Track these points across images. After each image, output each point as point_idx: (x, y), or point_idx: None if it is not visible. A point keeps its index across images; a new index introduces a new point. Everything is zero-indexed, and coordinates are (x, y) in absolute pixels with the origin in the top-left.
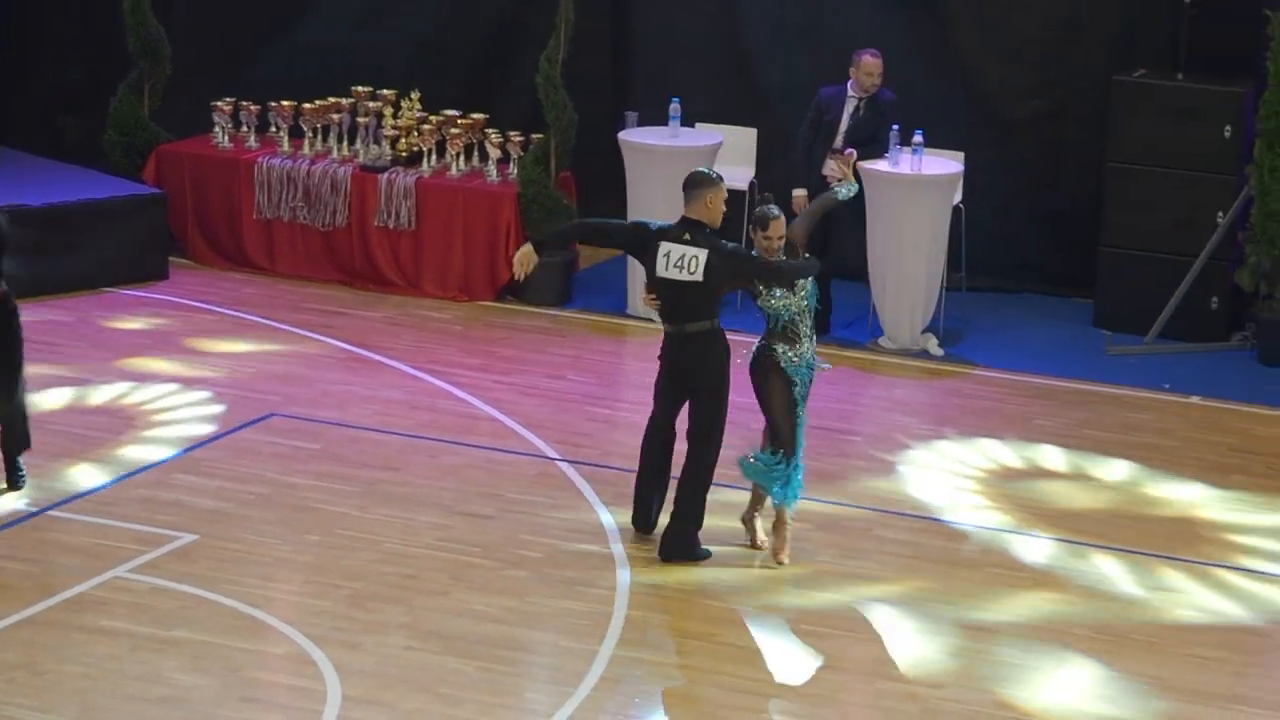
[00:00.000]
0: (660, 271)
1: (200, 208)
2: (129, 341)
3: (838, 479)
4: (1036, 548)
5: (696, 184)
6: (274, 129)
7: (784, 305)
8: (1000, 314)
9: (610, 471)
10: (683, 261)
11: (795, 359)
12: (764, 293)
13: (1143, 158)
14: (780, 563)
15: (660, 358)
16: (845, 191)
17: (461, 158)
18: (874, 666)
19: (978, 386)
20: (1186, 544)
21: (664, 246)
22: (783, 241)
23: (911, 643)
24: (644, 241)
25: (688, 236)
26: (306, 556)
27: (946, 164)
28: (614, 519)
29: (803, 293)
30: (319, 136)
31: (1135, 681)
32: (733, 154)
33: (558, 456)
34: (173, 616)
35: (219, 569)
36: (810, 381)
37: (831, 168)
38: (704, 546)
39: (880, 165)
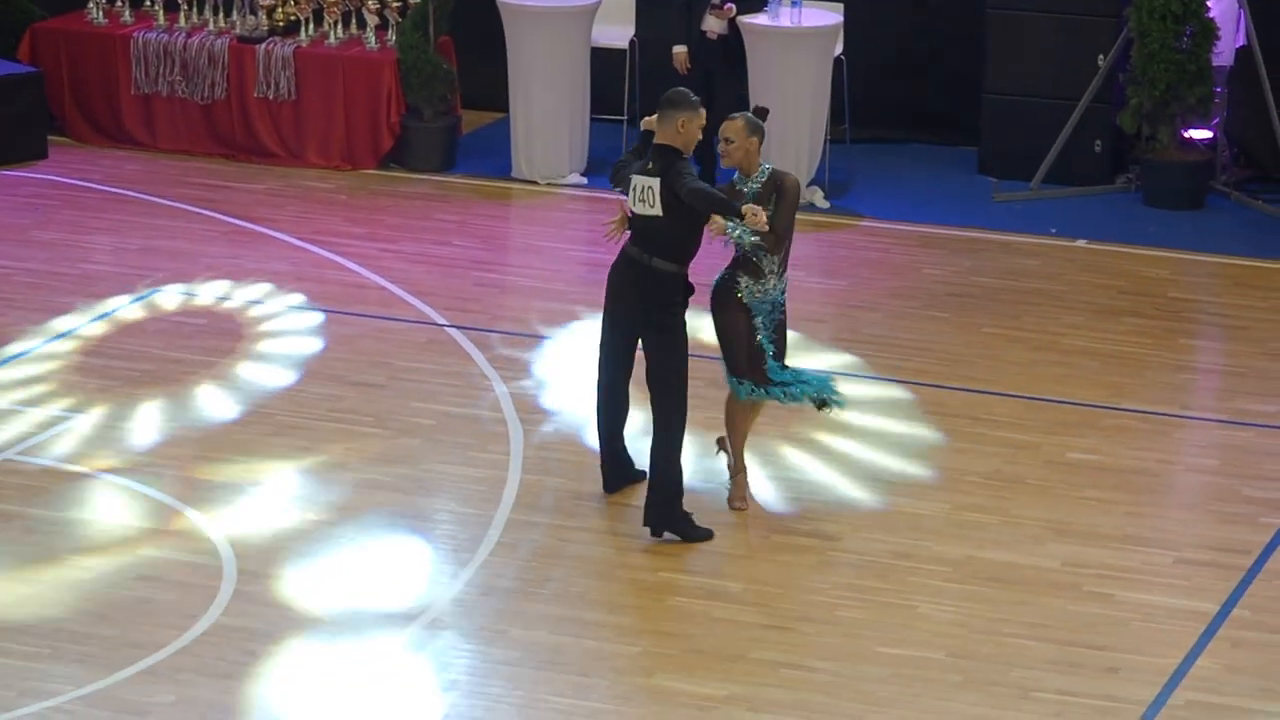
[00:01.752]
0: (632, 206)
1: (77, 85)
2: (7, 222)
3: None
4: (933, 397)
5: (669, 104)
6: (149, 3)
7: (737, 235)
8: (885, 165)
9: (499, 336)
10: (645, 194)
11: (759, 293)
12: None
13: (1022, 2)
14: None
15: (607, 286)
16: (742, 234)
17: (339, 25)
18: (771, 521)
19: (865, 238)
20: (1077, 387)
21: (633, 180)
22: (732, 146)
23: (809, 490)
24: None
25: (650, 165)
26: (196, 433)
27: (826, 16)
28: (504, 384)
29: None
30: (194, 8)
31: (1030, 527)
32: (612, 12)
33: (446, 323)
34: (65, 498)
35: (109, 449)
36: (773, 324)
37: (710, 23)
38: (703, 527)
39: (760, 19)
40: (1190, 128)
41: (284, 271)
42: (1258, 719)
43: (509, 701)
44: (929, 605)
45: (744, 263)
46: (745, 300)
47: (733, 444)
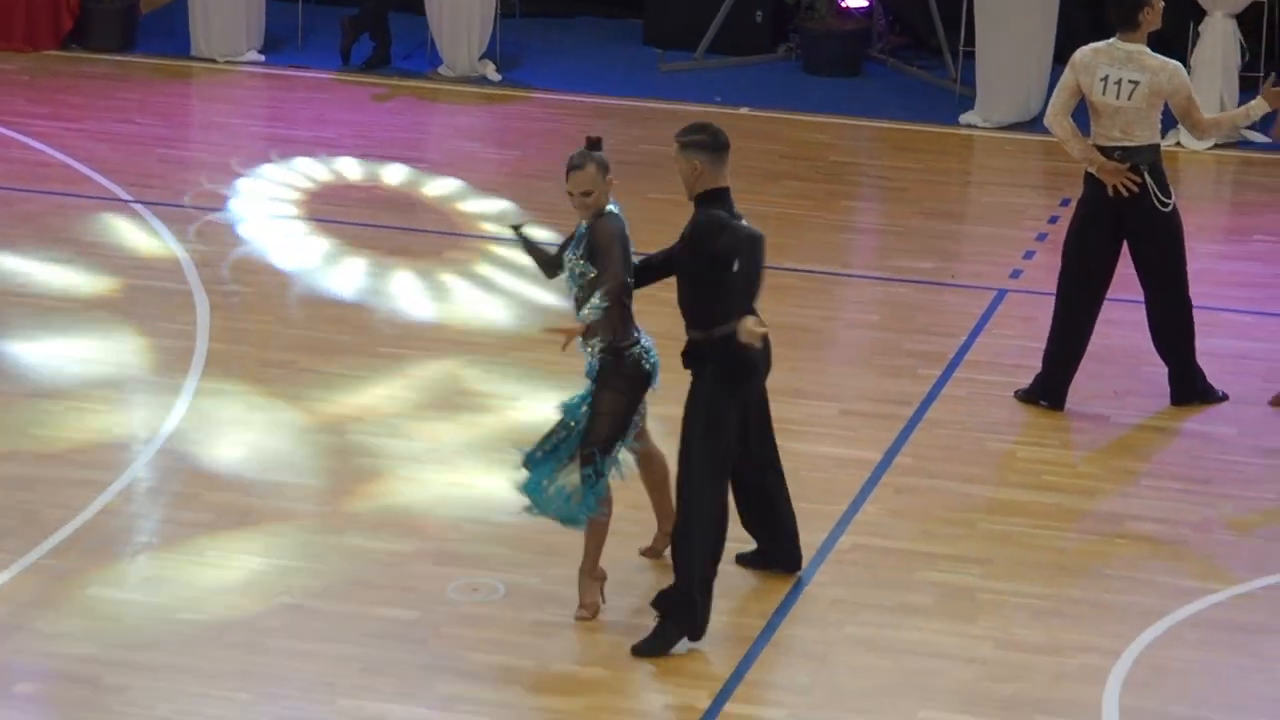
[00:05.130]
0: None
1: None
2: None
3: (407, 210)
4: None
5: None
6: None
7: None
8: (555, 39)
9: (184, 213)
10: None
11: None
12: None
13: None
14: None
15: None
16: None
17: None
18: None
19: (537, 109)
20: None
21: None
22: (591, 198)
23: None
24: None
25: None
26: None
27: None
28: (189, 254)
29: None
30: None
31: None
32: None
33: (130, 199)
34: None
35: None
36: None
37: None
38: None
39: None
40: None
41: None
42: (918, 559)
43: (206, 561)
44: None
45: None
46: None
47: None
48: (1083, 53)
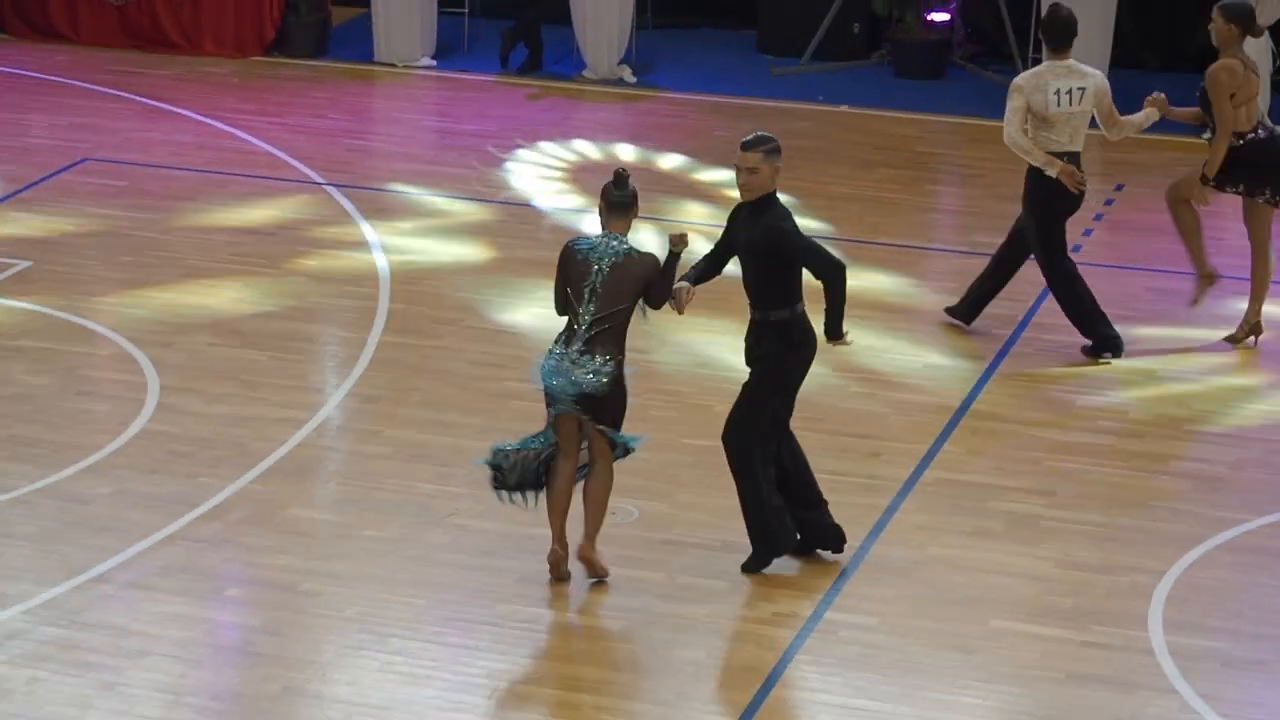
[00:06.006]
0: None
1: None
2: None
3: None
4: None
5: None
6: None
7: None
8: (681, 47)
9: (370, 194)
10: None
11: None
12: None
13: None
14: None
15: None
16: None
17: None
18: None
19: (666, 107)
20: (841, 226)
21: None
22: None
23: None
24: None
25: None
26: (122, 274)
27: None
28: (374, 230)
29: None
30: None
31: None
32: None
33: (323, 181)
34: (16, 329)
35: (51, 288)
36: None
37: None
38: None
39: None
40: (932, 12)
41: (188, 142)
42: (990, 491)
43: (385, 487)
44: (724, 405)
45: (620, 344)
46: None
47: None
48: (1025, 78)
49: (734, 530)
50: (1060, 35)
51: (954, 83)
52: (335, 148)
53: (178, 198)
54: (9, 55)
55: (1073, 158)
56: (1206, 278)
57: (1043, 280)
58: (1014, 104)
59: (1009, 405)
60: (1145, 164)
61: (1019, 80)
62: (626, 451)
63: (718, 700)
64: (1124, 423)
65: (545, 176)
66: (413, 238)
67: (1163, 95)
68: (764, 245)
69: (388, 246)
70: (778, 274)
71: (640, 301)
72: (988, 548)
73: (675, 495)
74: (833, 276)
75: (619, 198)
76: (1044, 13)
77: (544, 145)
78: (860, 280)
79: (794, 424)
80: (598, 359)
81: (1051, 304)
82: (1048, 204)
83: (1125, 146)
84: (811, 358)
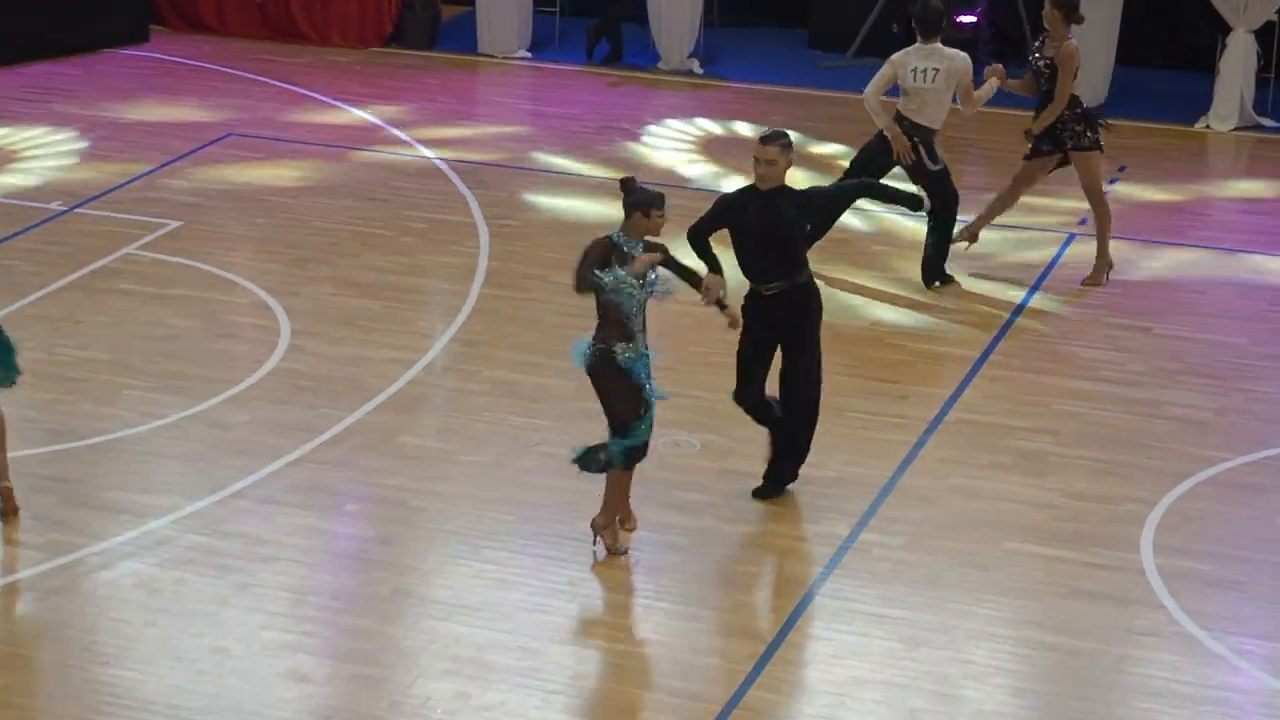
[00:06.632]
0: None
1: None
2: (118, 86)
3: (638, 166)
4: None
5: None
6: None
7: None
8: (743, 43)
9: (472, 167)
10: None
11: (633, 352)
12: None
13: None
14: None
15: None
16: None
17: None
18: None
19: (729, 95)
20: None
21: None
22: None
23: None
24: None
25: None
26: (258, 234)
27: None
28: (475, 197)
29: (652, 286)
30: None
31: (849, 297)
32: None
33: (433, 156)
34: (168, 280)
35: (199, 244)
36: (649, 369)
37: None
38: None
39: None
40: (961, 14)
41: (316, 121)
42: (1005, 430)
43: (482, 419)
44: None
45: (613, 329)
46: (622, 364)
47: (622, 512)
48: (898, 55)
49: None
50: (928, 25)
51: (979, 76)
52: (443, 126)
53: (307, 168)
54: (165, 45)
55: (918, 129)
56: (973, 237)
57: (1054, 247)
58: (882, 72)
59: (1021, 357)
60: (1144, 148)
61: (894, 55)
62: (620, 448)
63: (768, 607)
64: (1122, 373)
65: (676, 149)
66: (509, 204)
67: (1001, 66)
68: (799, 214)
69: (487, 212)
70: (801, 240)
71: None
72: (1002, 479)
73: (732, 430)
74: (867, 187)
75: (624, 203)
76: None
77: (670, 122)
78: (896, 248)
79: (833, 370)
80: (594, 339)
81: (1064, 268)
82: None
83: (1127, 134)
84: None
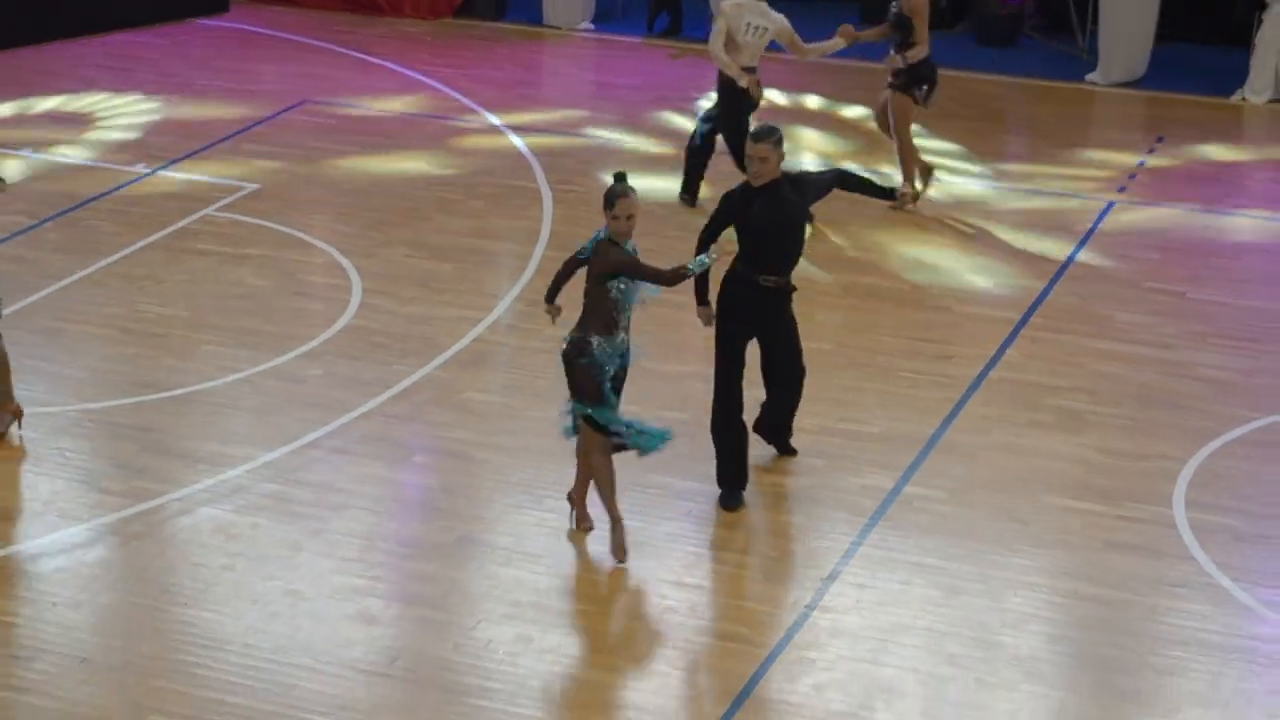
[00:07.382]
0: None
1: None
2: (199, 55)
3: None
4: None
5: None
6: None
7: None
8: (794, 17)
9: (537, 135)
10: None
11: (609, 348)
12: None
13: None
14: (621, 562)
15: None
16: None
17: None
18: None
19: (781, 67)
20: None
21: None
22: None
23: None
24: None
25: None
26: (333, 197)
27: None
28: (540, 164)
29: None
30: None
31: (890, 260)
32: None
33: (501, 124)
34: (245, 240)
35: (275, 207)
36: (618, 371)
37: None
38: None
39: None
40: None
41: (389, 89)
42: (1044, 389)
43: (547, 377)
44: (822, 314)
45: (596, 321)
46: (598, 357)
47: (606, 500)
48: (729, 6)
49: (830, 417)
50: None
51: (1025, 50)
52: (510, 95)
53: (380, 134)
54: (246, 16)
55: (751, 71)
56: (928, 170)
57: (1094, 212)
58: (717, 27)
59: (1060, 319)
60: (1182, 119)
61: (724, 6)
62: (604, 430)
63: (814, 554)
64: (1156, 335)
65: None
66: (573, 170)
67: (849, 26)
68: (801, 199)
69: (551, 178)
70: (803, 234)
71: (635, 287)
72: (1040, 436)
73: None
74: (842, 177)
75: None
76: None
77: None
78: (942, 212)
79: (881, 331)
80: (573, 330)
81: (1103, 235)
82: (734, 102)
83: (1167, 105)
84: None
